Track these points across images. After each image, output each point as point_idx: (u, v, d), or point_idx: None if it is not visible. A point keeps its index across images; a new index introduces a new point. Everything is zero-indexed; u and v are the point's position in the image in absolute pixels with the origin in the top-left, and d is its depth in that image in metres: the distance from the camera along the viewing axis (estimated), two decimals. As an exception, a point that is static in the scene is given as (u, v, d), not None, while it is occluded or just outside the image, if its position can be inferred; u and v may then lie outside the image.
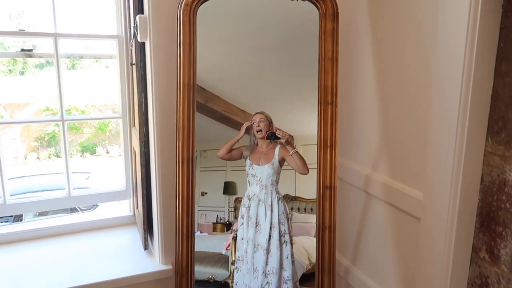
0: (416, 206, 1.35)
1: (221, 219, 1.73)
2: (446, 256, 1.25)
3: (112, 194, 2.24)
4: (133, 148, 2.13)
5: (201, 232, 1.70)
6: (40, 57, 1.93)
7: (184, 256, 1.53)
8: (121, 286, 1.82)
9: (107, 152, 9.86)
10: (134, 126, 2.08)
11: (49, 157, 9.54)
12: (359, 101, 1.63)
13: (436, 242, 1.27)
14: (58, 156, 9.60)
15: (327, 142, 1.48)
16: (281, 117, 1.66)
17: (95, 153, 9.73)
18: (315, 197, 1.65)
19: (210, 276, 1.69)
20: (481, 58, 1.12)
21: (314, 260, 1.69)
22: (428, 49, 1.27)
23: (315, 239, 1.71)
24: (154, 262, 1.92)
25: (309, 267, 1.70)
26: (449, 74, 1.18)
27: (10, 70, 9.94)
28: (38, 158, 9.33)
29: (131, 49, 1.96)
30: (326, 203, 1.50)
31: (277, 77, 1.73)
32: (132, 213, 2.33)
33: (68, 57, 1.99)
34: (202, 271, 1.66)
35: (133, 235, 2.20)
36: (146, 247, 2.00)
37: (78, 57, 2.00)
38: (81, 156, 9.77)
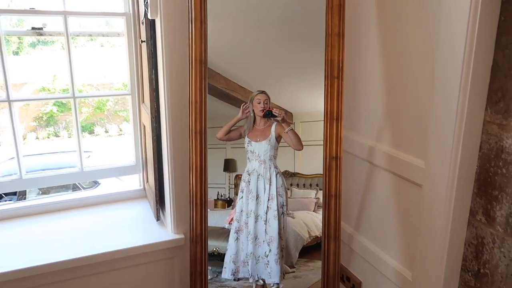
0: (418, 174, 1.43)
1: (221, 196, 1.80)
2: (446, 219, 1.34)
3: (122, 169, 2.32)
4: (143, 124, 2.19)
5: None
6: (50, 35, 1.96)
7: (198, 224, 1.62)
8: (136, 254, 1.92)
9: (106, 131, 9.89)
10: (144, 102, 2.14)
11: (48, 137, 9.57)
12: (364, 75, 1.69)
13: (436, 207, 1.36)
14: (57, 136, 9.63)
15: (333, 115, 1.55)
16: (280, 94, 1.70)
17: (93, 132, 9.76)
18: (314, 173, 1.74)
19: (214, 249, 1.77)
20: (483, 32, 1.18)
21: (313, 233, 1.80)
22: (431, 24, 1.32)
23: (314, 213, 1.81)
24: (166, 232, 2.02)
25: (309, 240, 1.80)
26: (451, 48, 1.24)
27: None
28: (37, 138, 9.36)
29: (139, 27, 2.00)
30: (332, 173, 1.58)
31: (278, 53, 1.75)
32: (142, 187, 2.41)
33: (77, 35, 2.02)
34: (207, 244, 1.72)
35: (144, 208, 2.28)
36: (158, 218, 2.09)
37: (87, 35, 2.04)
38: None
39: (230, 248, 1.74)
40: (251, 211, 1.71)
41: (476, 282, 1.34)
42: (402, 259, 1.59)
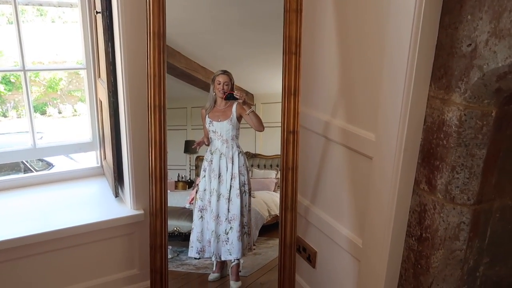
0: (369, 147, 1.52)
1: (182, 177, 1.81)
2: (393, 188, 1.43)
3: (78, 146, 2.27)
4: (99, 99, 2.15)
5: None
6: (-4, 3, 1.85)
7: (158, 198, 1.63)
8: (95, 230, 1.91)
9: (59, 112, 9.46)
10: (100, 77, 2.08)
11: (-6, 117, 9.03)
12: (320, 51, 1.74)
13: (385, 177, 1.46)
14: (5, 116, 9.10)
15: (291, 90, 1.60)
16: (241, 75, 1.72)
17: (46, 113, 9.31)
18: (275, 154, 1.79)
19: (175, 229, 1.80)
20: (428, 11, 1.25)
21: (273, 212, 1.87)
22: (383, 4, 1.39)
23: (274, 193, 1.87)
24: (125, 208, 2.01)
25: (269, 218, 1.88)
26: (399, 26, 1.31)
27: None
28: (-18, 118, 8.81)
29: (95, -2, 1.94)
30: (289, 146, 1.64)
31: (239, 34, 1.76)
32: (99, 165, 2.37)
33: (26, 4, 1.92)
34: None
35: (102, 185, 2.26)
36: (117, 194, 2.08)
37: (37, 4, 1.94)
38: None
39: (195, 227, 1.77)
40: (213, 189, 1.74)
41: (418, 246, 1.45)
42: (354, 228, 1.69)
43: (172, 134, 1.65)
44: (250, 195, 1.78)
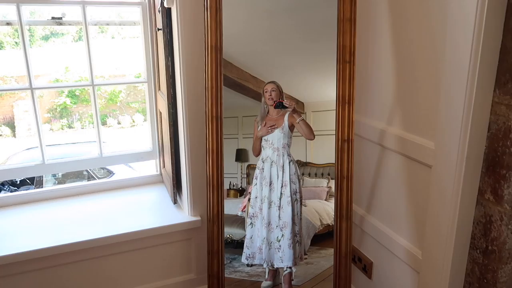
0: (428, 155, 1.48)
1: (234, 186, 1.83)
2: (455, 198, 1.38)
3: (140, 155, 2.40)
4: (159, 110, 2.26)
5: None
6: (69, 24, 2.03)
7: (215, 205, 1.69)
8: (154, 236, 2.00)
9: (119, 123, 10.02)
10: (160, 89, 2.20)
11: (62, 128, 9.75)
12: (375, 60, 1.73)
13: (445, 186, 1.41)
14: (70, 127, 9.79)
15: (345, 99, 1.60)
16: (291, 83, 1.73)
17: (106, 124, 9.91)
18: (326, 162, 1.77)
19: (228, 236, 1.82)
20: (491, 14, 1.20)
21: (325, 221, 1.83)
22: (441, 8, 1.36)
23: (326, 202, 1.84)
24: (183, 214, 2.09)
25: (321, 228, 1.84)
26: (461, 31, 1.27)
27: (16, 42, 10.00)
28: (51, 129, 9.55)
29: (155, 15, 2.06)
30: (344, 155, 1.63)
31: (289, 42, 1.77)
32: (158, 172, 2.49)
33: (95, 24, 2.09)
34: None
35: (161, 192, 2.36)
36: (175, 201, 2.17)
37: (105, 24, 2.10)
38: (93, 127, 9.93)
39: (247, 234, 1.79)
40: (265, 197, 1.76)
41: (484, 259, 1.38)
42: (412, 239, 1.64)
43: (224, 143, 1.68)
44: (301, 203, 1.79)
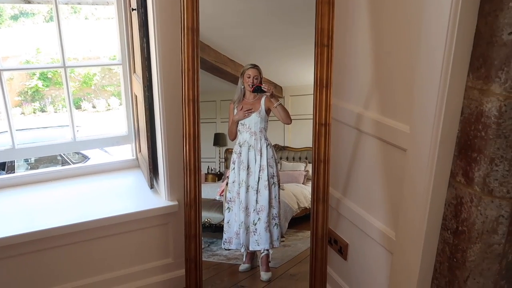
0: (403, 138, 1.50)
1: (212, 170, 1.84)
2: (428, 181, 1.41)
3: (115, 139, 2.34)
4: (134, 94, 2.21)
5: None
6: (38, 3, 1.94)
7: (192, 189, 1.68)
8: (131, 221, 1.98)
9: (93, 107, 9.77)
10: (135, 72, 2.15)
11: (34, 112, 9.44)
12: (353, 43, 1.73)
13: (419, 169, 1.44)
14: (43, 111, 9.49)
15: (323, 83, 1.60)
16: (269, 67, 1.72)
17: (81, 108, 9.65)
18: (304, 146, 1.80)
19: (206, 220, 1.83)
20: (466, 0, 1.22)
21: (302, 205, 1.87)
22: (419, -7, 1.36)
23: (303, 185, 1.87)
24: (160, 199, 2.07)
25: (298, 211, 1.88)
26: (436, 14, 1.28)
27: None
28: (22, 113, 9.22)
29: (129, -5, 1.99)
30: (321, 139, 1.64)
31: (269, 25, 1.75)
32: (134, 157, 2.45)
33: (66, 3, 2.00)
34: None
35: (137, 177, 2.33)
36: (152, 186, 2.14)
37: (76, 3, 2.01)
38: (66, 111, 9.65)
39: (224, 218, 1.80)
40: (242, 181, 1.76)
41: (454, 239, 1.43)
42: (387, 221, 1.68)
43: (202, 127, 1.67)
44: (279, 187, 1.80)
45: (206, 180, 1.83)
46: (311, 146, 1.67)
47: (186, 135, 1.64)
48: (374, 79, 1.64)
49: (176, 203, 2.02)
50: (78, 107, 9.63)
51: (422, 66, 1.36)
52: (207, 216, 1.84)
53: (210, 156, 1.81)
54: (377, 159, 1.68)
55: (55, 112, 9.51)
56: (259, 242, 1.79)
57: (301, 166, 1.87)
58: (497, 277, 1.37)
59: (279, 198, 1.80)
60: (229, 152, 1.80)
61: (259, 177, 1.76)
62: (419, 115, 1.41)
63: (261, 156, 1.75)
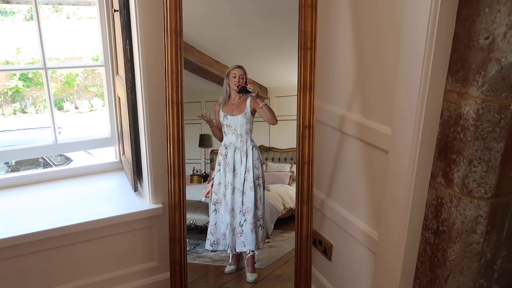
0: (385, 141, 1.52)
1: (197, 171, 1.83)
2: (409, 182, 1.44)
3: (98, 141, 2.31)
4: (118, 96, 2.19)
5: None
6: (17, 3, 1.90)
7: (176, 192, 1.67)
8: (115, 224, 1.95)
9: (76, 108, 9.61)
10: (118, 74, 2.12)
11: (14, 113, 9.23)
12: (335, 46, 1.74)
13: (401, 171, 1.46)
14: (24, 112, 9.28)
15: (306, 85, 1.61)
16: (255, 68, 1.72)
17: (63, 108, 9.48)
18: (289, 147, 1.81)
19: (192, 222, 1.82)
20: (445, 4, 1.24)
21: (288, 205, 1.88)
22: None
23: (289, 186, 1.89)
24: (144, 202, 2.05)
25: (284, 212, 1.89)
26: (416, 20, 1.30)
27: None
28: (2, 114, 9.01)
29: (112, -4, 1.97)
30: (305, 141, 1.65)
31: (252, 27, 1.76)
32: (118, 160, 2.42)
33: (46, 4, 1.97)
34: (183, 217, 1.74)
35: (121, 180, 2.30)
36: (136, 189, 2.12)
37: (57, 3, 1.98)
38: (48, 112, 9.47)
39: (210, 220, 1.80)
40: (228, 183, 1.76)
41: (435, 239, 1.46)
42: (370, 221, 1.70)
43: (187, 128, 1.66)
44: (264, 188, 1.81)
45: (191, 181, 1.82)
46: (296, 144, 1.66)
47: (170, 137, 1.63)
48: (356, 81, 1.66)
49: (160, 205, 2.01)
50: (61, 108, 9.46)
51: (402, 69, 1.39)
52: (193, 218, 1.83)
53: (195, 158, 1.80)
54: (360, 161, 1.70)
55: (37, 113, 9.32)
56: (246, 243, 1.79)
57: (286, 167, 1.88)
58: (477, 276, 1.41)
59: (263, 199, 1.81)
60: (214, 153, 1.80)
61: (244, 179, 1.77)
62: (400, 118, 1.43)
63: (246, 157, 1.75)
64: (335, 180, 1.89)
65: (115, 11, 1.88)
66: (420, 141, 1.38)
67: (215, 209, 1.80)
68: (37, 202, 2.04)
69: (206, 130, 1.79)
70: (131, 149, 2.01)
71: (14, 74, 8.99)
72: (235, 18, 1.76)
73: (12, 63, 8.63)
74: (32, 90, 9.31)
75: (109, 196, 2.13)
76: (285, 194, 1.90)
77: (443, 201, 1.41)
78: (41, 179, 2.25)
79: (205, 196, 1.84)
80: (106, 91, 2.24)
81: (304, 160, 1.66)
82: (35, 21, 1.95)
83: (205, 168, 1.84)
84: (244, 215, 1.78)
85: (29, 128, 6.60)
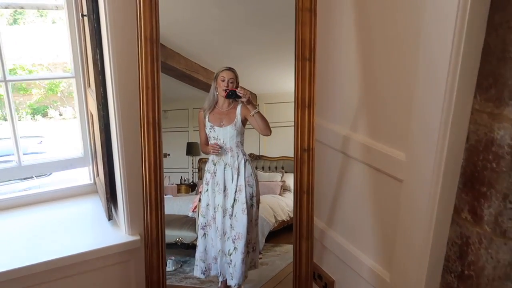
0: (398, 167, 1.31)
1: (185, 180, 1.69)
2: (428, 217, 1.23)
3: (69, 162, 2.07)
4: (90, 111, 1.94)
5: (165, 195, 1.61)
6: (-29, 6, 1.65)
7: (153, 226, 1.43)
8: (87, 260, 1.71)
9: (60, 115, 9.34)
10: (90, 86, 1.88)
11: (-5, 120, 8.91)
12: (338, 56, 1.53)
13: (418, 203, 1.25)
14: (5, 120, 8.98)
15: (305, 102, 1.39)
16: (243, 74, 1.59)
17: (47, 115, 9.19)
18: (280, 155, 1.68)
19: (178, 239, 1.66)
20: (474, 9, 1.04)
21: (279, 218, 1.72)
22: (418, 1, 1.17)
23: (280, 197, 1.76)
24: (120, 233, 1.81)
25: (275, 225, 1.72)
26: (439, 27, 1.10)
27: None
28: (-22, 122, 8.68)
29: (81, -2, 1.73)
30: (304, 167, 1.43)
31: (241, 32, 1.65)
32: (92, 181, 2.17)
33: (6, 7, 1.72)
34: (169, 235, 1.59)
35: (96, 205, 2.07)
36: (110, 217, 1.88)
37: (18, 7, 1.73)
38: (31, 119, 9.21)
39: (199, 245, 1.60)
40: (218, 205, 1.56)
41: (459, 284, 1.24)
42: (379, 259, 1.48)
43: (174, 136, 1.60)
44: (258, 207, 1.61)
45: (178, 191, 1.69)
46: (287, 156, 1.54)
47: (146, 164, 1.40)
48: (363, 97, 1.45)
49: (138, 237, 1.77)
50: (45, 114, 9.19)
51: (422, 84, 1.17)
52: (179, 235, 1.68)
53: (183, 166, 1.69)
54: (367, 188, 1.48)
55: (19, 120, 9.03)
56: (233, 276, 1.58)
57: (277, 176, 1.74)
58: (511, 331, 1.19)
59: (256, 220, 1.62)
60: (202, 161, 1.66)
61: (234, 199, 1.55)
62: (418, 141, 1.22)
63: (238, 175, 1.53)
64: (338, 208, 1.67)
65: (83, 16, 1.64)
66: (443, 170, 1.16)
67: (204, 233, 1.57)
68: (1, 234, 1.79)
69: (193, 138, 1.66)
70: (104, 172, 1.77)
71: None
72: (220, 24, 1.65)
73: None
74: (15, 96, 9.02)
75: (81, 226, 1.88)
76: (276, 205, 1.75)
77: (470, 241, 1.19)
78: (5, 206, 1.99)
79: (192, 211, 1.66)
80: (78, 105, 2.00)
81: (303, 188, 1.44)
82: (-8, 27, 1.70)
83: (193, 177, 1.71)
84: (234, 242, 1.55)
85: (5, 138, 6.28)
